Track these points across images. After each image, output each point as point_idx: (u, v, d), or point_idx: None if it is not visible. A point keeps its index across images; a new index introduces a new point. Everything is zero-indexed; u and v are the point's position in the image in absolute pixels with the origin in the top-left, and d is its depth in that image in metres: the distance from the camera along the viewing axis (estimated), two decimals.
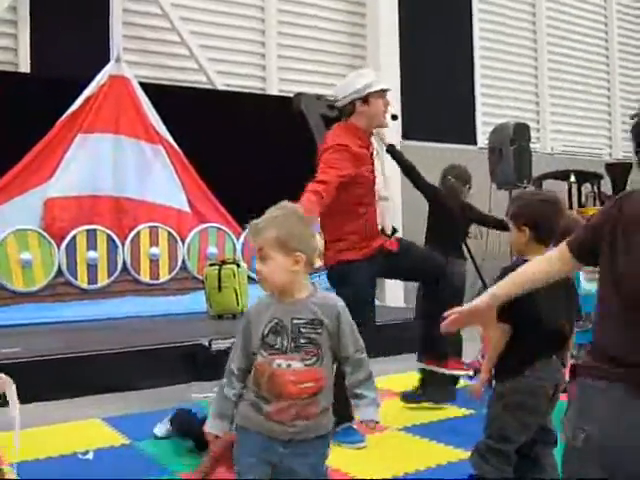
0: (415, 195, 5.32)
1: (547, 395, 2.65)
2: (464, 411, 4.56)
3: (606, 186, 9.30)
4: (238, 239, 8.64)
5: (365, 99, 4.12)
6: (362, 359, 2.32)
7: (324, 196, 3.73)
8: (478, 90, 11.98)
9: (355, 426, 3.79)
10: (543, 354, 2.65)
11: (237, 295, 7.37)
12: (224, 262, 7.65)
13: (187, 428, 3.81)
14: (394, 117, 4.39)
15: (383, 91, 4.19)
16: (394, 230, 4.37)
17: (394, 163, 5.03)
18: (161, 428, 4.03)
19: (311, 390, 2.23)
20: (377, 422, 2.30)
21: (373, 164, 4.21)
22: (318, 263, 2.86)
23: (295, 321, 2.24)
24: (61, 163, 7.93)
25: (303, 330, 2.24)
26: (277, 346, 2.23)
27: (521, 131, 8.18)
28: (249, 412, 2.27)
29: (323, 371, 2.25)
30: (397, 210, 10.24)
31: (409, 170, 5.04)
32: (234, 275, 7.42)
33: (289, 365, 2.22)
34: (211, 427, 2.34)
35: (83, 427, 4.38)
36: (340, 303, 2.32)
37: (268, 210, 2.31)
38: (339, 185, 3.85)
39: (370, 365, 2.36)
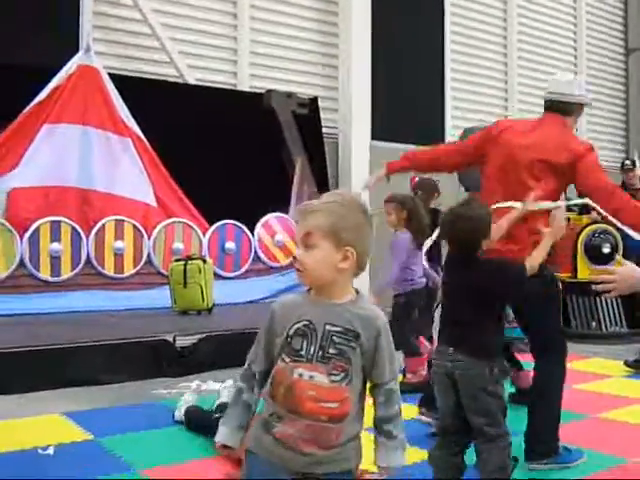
0: None
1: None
2: None
3: (572, 192, 9.42)
4: (205, 235, 8.58)
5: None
6: (396, 391, 1.98)
7: None
8: (448, 93, 12.07)
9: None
10: None
11: (203, 291, 7.33)
12: (190, 257, 7.61)
13: (202, 424, 3.84)
14: None
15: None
16: None
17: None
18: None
19: (334, 412, 1.89)
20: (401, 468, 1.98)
21: None
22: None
23: (328, 327, 1.91)
24: (26, 153, 7.78)
25: (336, 339, 1.91)
26: (302, 352, 1.91)
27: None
28: (258, 432, 1.95)
29: (351, 392, 1.91)
30: None
31: None
32: (200, 271, 7.38)
33: (312, 377, 1.89)
34: (226, 438, 1.98)
35: (44, 422, 4.31)
36: (384, 319, 1.97)
37: (324, 195, 2.01)
38: None
39: None
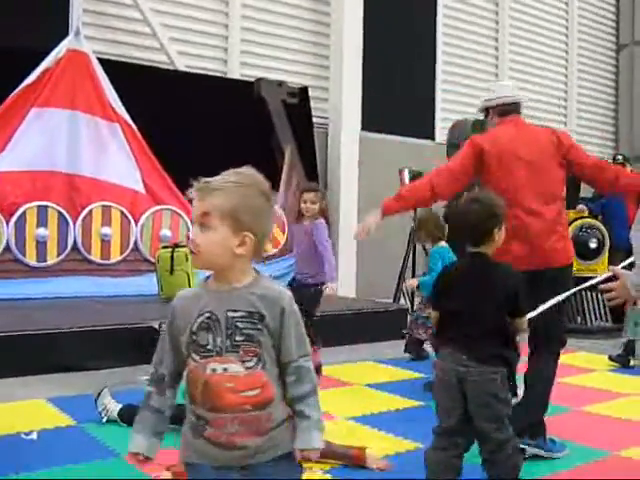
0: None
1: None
2: (413, 402, 4.60)
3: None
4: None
5: None
6: (308, 368, 1.88)
7: None
8: (439, 86, 12.07)
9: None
10: None
11: (189, 279, 7.30)
12: (177, 245, 7.57)
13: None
14: None
15: None
16: None
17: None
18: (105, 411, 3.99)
19: (257, 400, 1.82)
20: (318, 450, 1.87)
21: None
22: (270, 250, 2.28)
23: (230, 314, 1.82)
24: (13, 137, 7.73)
25: (240, 325, 1.82)
26: (209, 346, 1.82)
27: (480, 128, 8.22)
28: (188, 439, 1.87)
29: (269, 376, 1.84)
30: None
31: None
32: (187, 258, 7.34)
33: (225, 369, 1.81)
34: (140, 447, 1.87)
35: (27, 407, 4.30)
36: (288, 296, 1.87)
37: (225, 172, 1.90)
38: None
39: (323, 355, 2.19)
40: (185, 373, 1.89)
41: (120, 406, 3.99)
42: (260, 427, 1.82)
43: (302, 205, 5.35)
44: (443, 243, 5.12)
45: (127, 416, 3.86)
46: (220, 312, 1.83)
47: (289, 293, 1.88)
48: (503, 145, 3.68)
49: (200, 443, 1.83)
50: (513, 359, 2.84)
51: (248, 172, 1.91)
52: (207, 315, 1.83)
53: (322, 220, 5.34)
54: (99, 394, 4.05)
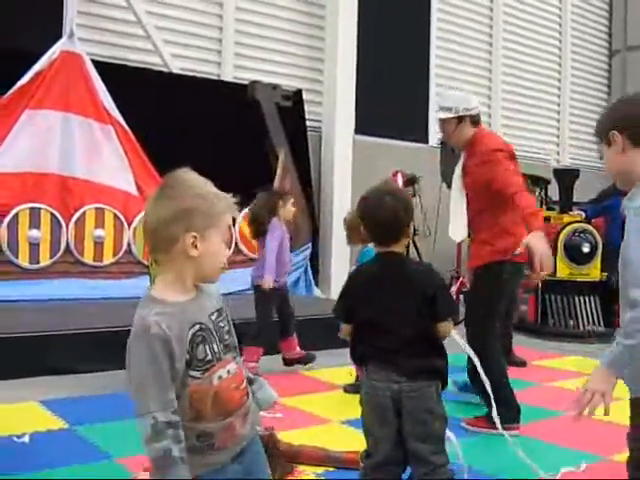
0: None
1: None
2: None
3: (553, 191, 9.51)
4: None
5: None
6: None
7: None
8: (433, 89, 12.09)
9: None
10: None
11: None
12: None
13: None
14: None
15: None
16: None
17: None
18: None
19: (245, 388, 1.92)
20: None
21: None
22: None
23: (213, 317, 1.85)
24: (7, 138, 7.71)
25: (221, 324, 1.87)
26: (209, 357, 1.79)
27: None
28: (195, 460, 1.76)
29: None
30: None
31: None
32: None
33: (229, 371, 1.84)
34: None
35: (20, 409, 4.29)
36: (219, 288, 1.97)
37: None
38: None
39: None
40: (185, 396, 1.76)
41: None
42: (248, 412, 1.89)
43: None
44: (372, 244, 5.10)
45: None
46: (206, 319, 1.82)
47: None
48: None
49: (209, 457, 1.80)
50: (445, 369, 2.60)
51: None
52: (197, 328, 1.79)
53: (275, 220, 5.55)
54: None
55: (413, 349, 2.51)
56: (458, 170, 4.38)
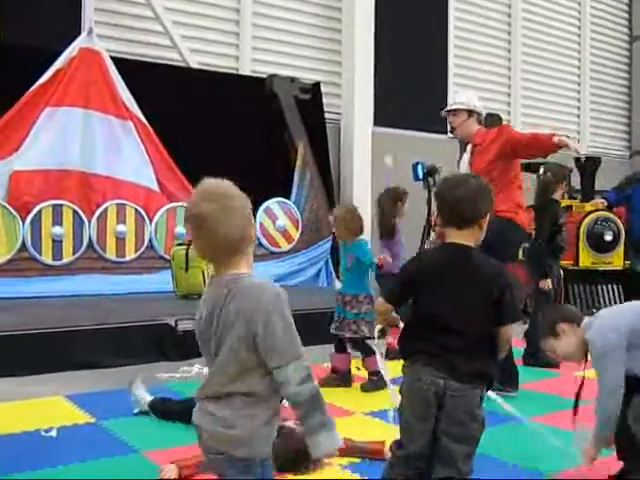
0: None
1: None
2: None
3: (575, 180, 9.44)
4: None
5: None
6: None
7: None
8: (451, 79, 12.02)
9: None
10: None
11: (204, 276, 7.33)
12: (192, 242, 7.59)
13: (169, 411, 3.89)
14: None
15: None
16: None
17: None
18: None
19: None
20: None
21: None
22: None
23: None
24: (28, 136, 7.78)
25: None
26: None
27: (493, 121, 8.20)
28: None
29: None
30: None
31: None
32: None
33: None
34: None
35: (47, 404, 4.33)
36: None
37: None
38: None
39: None
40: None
41: (152, 398, 4.05)
42: None
43: None
44: (362, 237, 5.07)
45: (158, 409, 3.96)
46: None
47: None
48: None
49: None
50: (495, 376, 2.50)
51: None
52: None
53: (397, 221, 6.25)
54: (131, 385, 4.15)
55: (475, 352, 2.39)
56: (464, 165, 4.81)
